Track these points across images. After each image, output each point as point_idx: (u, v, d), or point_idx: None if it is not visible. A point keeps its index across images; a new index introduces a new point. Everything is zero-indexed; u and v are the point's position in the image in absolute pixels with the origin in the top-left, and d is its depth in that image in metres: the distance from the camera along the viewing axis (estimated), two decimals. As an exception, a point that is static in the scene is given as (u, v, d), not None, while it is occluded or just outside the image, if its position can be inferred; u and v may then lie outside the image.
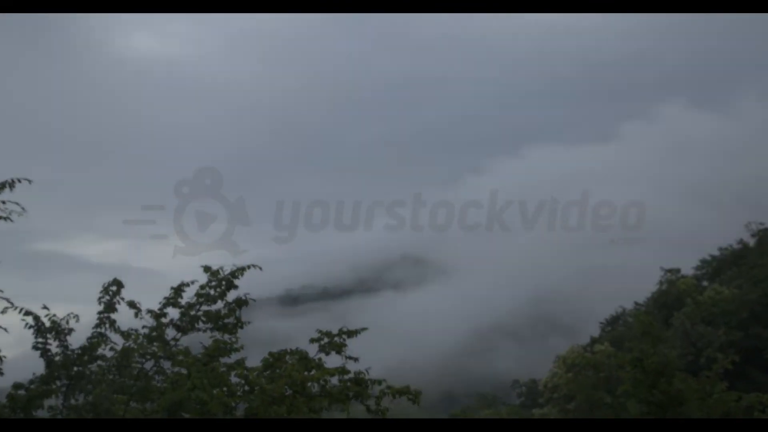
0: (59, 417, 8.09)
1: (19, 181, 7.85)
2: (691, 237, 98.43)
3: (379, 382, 9.08)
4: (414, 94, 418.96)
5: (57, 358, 8.33)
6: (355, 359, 9.22)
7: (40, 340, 8.34)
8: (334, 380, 9.00)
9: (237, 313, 9.09)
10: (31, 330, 8.33)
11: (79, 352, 8.37)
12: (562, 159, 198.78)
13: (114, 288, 8.67)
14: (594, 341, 54.12)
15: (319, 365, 9.11)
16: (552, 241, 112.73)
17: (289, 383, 8.65)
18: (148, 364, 8.72)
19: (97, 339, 8.49)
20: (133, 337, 8.73)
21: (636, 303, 59.00)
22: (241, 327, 9.17)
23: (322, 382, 8.90)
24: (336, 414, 9.03)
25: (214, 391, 8.16)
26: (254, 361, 9.34)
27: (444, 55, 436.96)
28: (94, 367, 8.45)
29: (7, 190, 7.76)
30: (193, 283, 9.01)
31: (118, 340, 8.69)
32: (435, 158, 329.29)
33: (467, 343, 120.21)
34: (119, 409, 8.23)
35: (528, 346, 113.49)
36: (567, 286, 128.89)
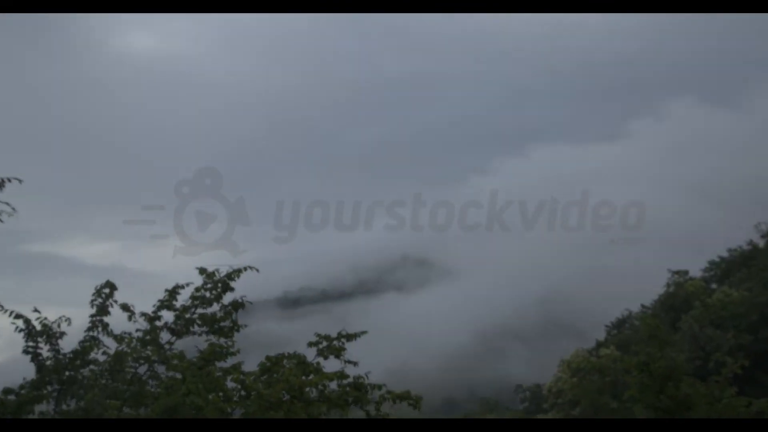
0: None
1: (9, 180, 7.68)
2: (699, 237, 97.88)
3: (379, 387, 8.94)
4: (417, 93, 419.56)
5: (48, 363, 8.17)
6: (355, 363, 9.08)
7: (30, 344, 8.18)
8: (333, 385, 8.86)
9: (233, 315, 8.95)
10: (22, 333, 8.17)
11: (71, 356, 8.20)
12: (568, 158, 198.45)
13: (107, 290, 8.52)
14: (599, 345, 53.74)
15: (318, 370, 8.96)
16: (556, 241, 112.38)
17: (286, 388, 8.51)
18: (142, 369, 8.57)
19: (89, 343, 8.33)
20: (126, 340, 8.60)
21: (642, 305, 58.47)
22: (238, 330, 9.04)
23: (320, 387, 8.77)
24: (334, 420, 8.84)
25: (210, 397, 8.05)
26: (252, 365, 9.19)
27: (447, 54, 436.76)
28: (86, 371, 8.28)
29: (-5, 190, 7.58)
30: (188, 285, 8.87)
31: (111, 344, 8.55)
32: (439, 158, 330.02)
33: (471, 345, 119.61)
34: (112, 415, 8.05)
35: (535, 348, 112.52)
36: (574, 287, 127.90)
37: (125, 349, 8.50)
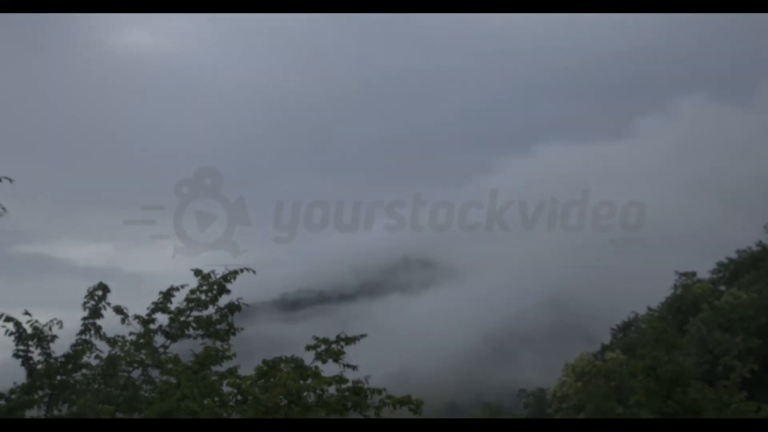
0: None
1: (0, 179, 7.52)
2: (708, 238, 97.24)
3: (379, 392, 8.75)
4: (419, 92, 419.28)
5: (39, 367, 8.04)
6: (354, 367, 8.91)
7: (21, 347, 8.06)
8: (332, 389, 8.68)
9: (229, 318, 8.77)
10: (12, 337, 8.05)
11: (63, 360, 8.07)
12: (575, 157, 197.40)
13: (99, 292, 8.39)
14: (605, 348, 53.26)
15: (316, 374, 8.78)
16: (561, 241, 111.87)
17: (284, 393, 8.34)
18: (136, 373, 8.45)
19: (81, 346, 8.20)
20: (119, 344, 8.47)
21: (649, 308, 58.00)
22: (234, 333, 8.86)
23: (318, 391, 8.59)
24: (333, 425, 8.64)
25: (205, 401, 7.87)
26: (249, 369, 9.02)
27: (450, 52, 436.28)
28: (78, 375, 8.15)
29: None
30: (183, 287, 8.71)
31: (103, 348, 8.44)
32: (442, 157, 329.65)
33: (477, 348, 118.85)
34: (105, 420, 7.86)
35: (542, 351, 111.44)
36: (581, 289, 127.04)
37: (118, 352, 8.37)
